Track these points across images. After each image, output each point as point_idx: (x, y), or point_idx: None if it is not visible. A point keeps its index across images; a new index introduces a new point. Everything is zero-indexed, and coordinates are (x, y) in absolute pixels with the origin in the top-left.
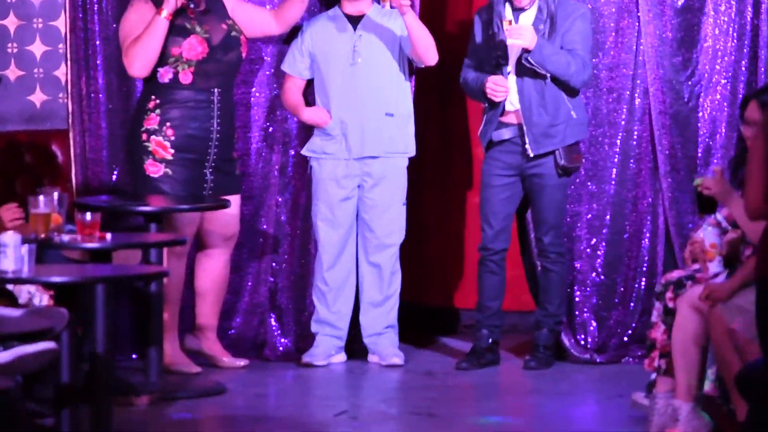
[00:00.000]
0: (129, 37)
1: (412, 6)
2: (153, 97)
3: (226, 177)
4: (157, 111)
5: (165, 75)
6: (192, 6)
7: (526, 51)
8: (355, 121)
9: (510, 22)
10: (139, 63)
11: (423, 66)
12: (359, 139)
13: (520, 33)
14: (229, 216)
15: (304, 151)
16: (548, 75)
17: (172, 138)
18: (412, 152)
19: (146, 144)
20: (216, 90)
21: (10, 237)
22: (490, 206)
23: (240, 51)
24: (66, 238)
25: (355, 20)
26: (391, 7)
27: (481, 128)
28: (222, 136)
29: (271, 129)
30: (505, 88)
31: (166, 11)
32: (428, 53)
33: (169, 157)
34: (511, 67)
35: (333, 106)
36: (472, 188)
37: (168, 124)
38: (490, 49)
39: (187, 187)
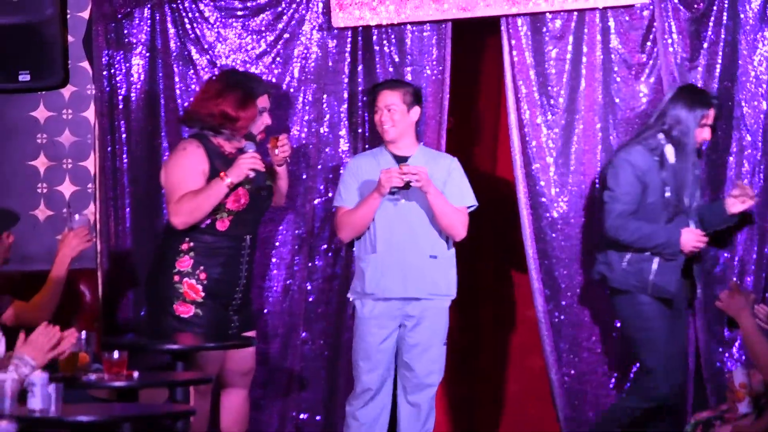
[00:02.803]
0: (181, 186)
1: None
2: (187, 239)
3: (247, 316)
4: (191, 254)
5: (203, 221)
6: (254, 175)
7: None
8: (398, 262)
9: None
10: (187, 219)
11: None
12: (401, 280)
13: None
14: (246, 352)
15: (349, 294)
16: None
17: (204, 281)
18: (454, 294)
19: (178, 286)
20: (248, 237)
21: (38, 376)
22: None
23: (271, 197)
24: (93, 376)
25: (400, 160)
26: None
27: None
28: (248, 281)
29: (296, 267)
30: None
31: (230, 179)
32: (453, 230)
33: (199, 300)
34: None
35: (378, 244)
36: None
37: (201, 267)
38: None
39: (216, 327)
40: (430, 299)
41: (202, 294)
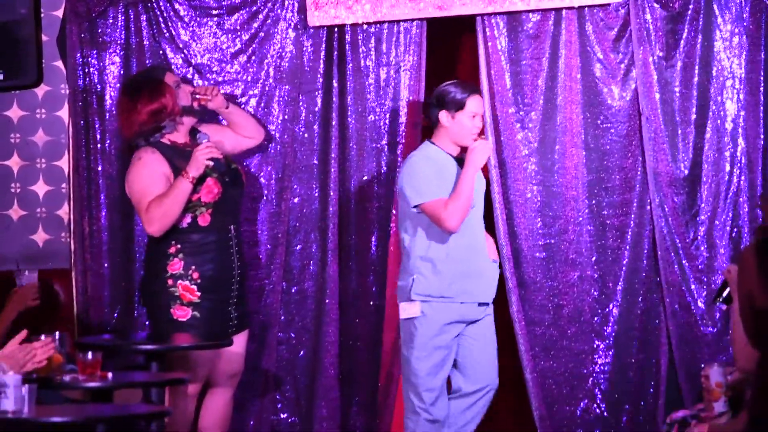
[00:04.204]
0: (146, 195)
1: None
2: (173, 242)
3: (244, 313)
4: (180, 255)
5: (183, 220)
6: (213, 164)
7: None
8: (474, 266)
9: None
10: (160, 225)
11: None
12: (476, 284)
13: None
14: (236, 354)
15: (413, 296)
16: None
17: (198, 280)
18: None
19: (173, 289)
20: (232, 227)
21: (11, 377)
22: None
23: (243, 181)
24: (67, 377)
25: (458, 161)
26: None
27: None
28: (242, 271)
29: (272, 267)
30: None
31: (191, 174)
32: None
33: (196, 300)
34: None
35: (454, 247)
36: None
37: (193, 267)
38: None
39: (215, 327)
40: (490, 303)
41: (198, 294)
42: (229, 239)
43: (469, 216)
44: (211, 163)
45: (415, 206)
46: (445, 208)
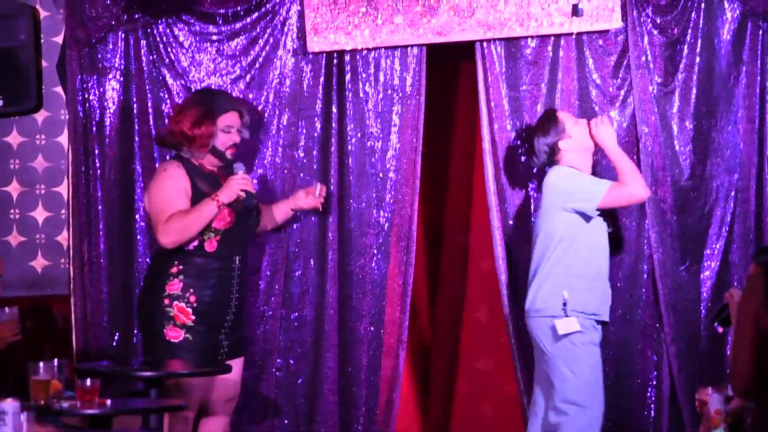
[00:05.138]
0: (169, 206)
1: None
2: (176, 262)
3: (237, 341)
4: (180, 277)
5: (190, 243)
6: (243, 197)
7: None
8: (607, 286)
9: None
10: (177, 238)
11: None
12: (609, 304)
13: None
14: (230, 380)
15: (570, 312)
16: None
17: (195, 304)
18: None
19: (168, 309)
20: (237, 257)
21: (9, 404)
22: None
23: (258, 218)
24: (66, 404)
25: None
26: None
27: None
28: (239, 302)
29: (271, 293)
30: None
31: (221, 200)
32: None
33: (190, 323)
34: None
35: (598, 267)
36: None
37: (191, 290)
38: None
39: (205, 352)
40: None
41: (192, 317)
42: (233, 269)
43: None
44: (243, 195)
45: (597, 209)
46: (625, 184)
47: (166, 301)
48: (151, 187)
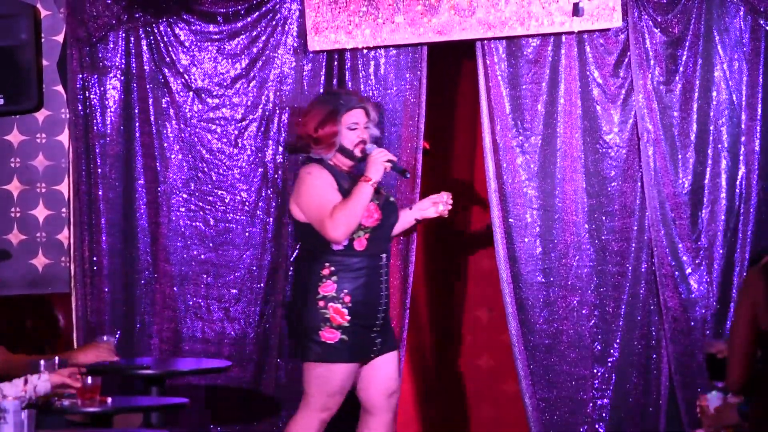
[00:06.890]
0: (327, 201)
1: None
2: (327, 264)
3: (389, 336)
4: (334, 278)
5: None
6: (390, 167)
7: None
8: None
9: None
10: (346, 228)
11: None
12: None
13: None
14: (390, 375)
15: None
16: None
17: (349, 305)
18: None
19: (323, 311)
20: (384, 255)
21: (10, 403)
22: None
23: (397, 213)
24: (66, 402)
25: None
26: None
27: None
28: (388, 299)
29: (270, 291)
30: None
31: (373, 179)
32: None
33: (346, 324)
34: None
35: None
36: None
37: (345, 291)
38: None
39: (360, 352)
40: None
41: (348, 318)
42: (381, 266)
43: None
44: (389, 165)
45: None
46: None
47: (321, 303)
48: (301, 191)
